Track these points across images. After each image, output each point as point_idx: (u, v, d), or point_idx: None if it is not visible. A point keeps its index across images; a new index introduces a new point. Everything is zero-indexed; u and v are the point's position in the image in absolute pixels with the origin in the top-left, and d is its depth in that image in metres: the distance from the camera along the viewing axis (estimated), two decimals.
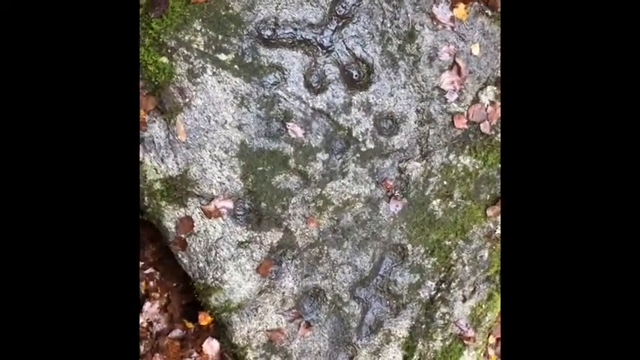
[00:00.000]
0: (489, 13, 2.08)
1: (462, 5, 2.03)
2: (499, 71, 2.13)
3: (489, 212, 2.23)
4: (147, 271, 2.28)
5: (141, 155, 1.88)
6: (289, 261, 2.08)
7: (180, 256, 2.02)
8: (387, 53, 2.02)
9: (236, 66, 1.89)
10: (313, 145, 2.01)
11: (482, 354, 2.43)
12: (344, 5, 1.95)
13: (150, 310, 2.24)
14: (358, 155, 2.06)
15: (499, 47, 2.11)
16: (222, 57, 1.88)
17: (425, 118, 2.09)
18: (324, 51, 1.97)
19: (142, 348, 2.16)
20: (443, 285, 2.25)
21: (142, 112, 1.84)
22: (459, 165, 2.17)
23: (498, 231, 2.26)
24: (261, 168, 1.97)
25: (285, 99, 1.95)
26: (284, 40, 1.93)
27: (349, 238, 2.13)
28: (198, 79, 1.87)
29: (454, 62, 2.07)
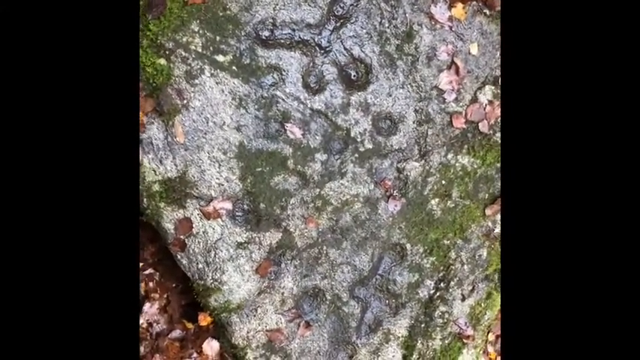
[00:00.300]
0: (487, 12, 2.07)
1: (460, 5, 2.02)
2: (497, 70, 2.13)
3: (488, 211, 2.23)
4: (146, 272, 2.28)
5: (139, 157, 1.88)
6: (288, 261, 2.08)
7: (179, 257, 2.02)
8: (386, 53, 2.02)
9: (234, 67, 1.89)
10: (312, 146, 2.01)
11: (481, 352, 2.44)
12: (342, 5, 1.95)
13: (149, 310, 2.24)
14: (357, 155, 2.06)
15: (497, 47, 2.11)
16: (220, 58, 1.87)
17: (423, 117, 2.09)
18: (322, 51, 1.97)
19: (141, 349, 2.17)
20: (442, 284, 2.26)
21: (140, 114, 1.84)
22: (457, 164, 2.17)
23: (497, 230, 2.27)
24: (259, 169, 1.97)
25: (283, 100, 1.95)
26: (282, 41, 1.92)
27: (348, 238, 2.13)
28: (196, 81, 1.86)
29: (452, 62, 2.07)
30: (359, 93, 2.02)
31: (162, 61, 1.83)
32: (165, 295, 2.31)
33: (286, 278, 2.09)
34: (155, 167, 1.90)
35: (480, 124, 2.14)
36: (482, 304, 2.34)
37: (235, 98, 1.91)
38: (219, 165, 1.94)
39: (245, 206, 2.00)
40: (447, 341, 2.31)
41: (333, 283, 2.15)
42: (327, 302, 2.16)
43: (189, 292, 2.14)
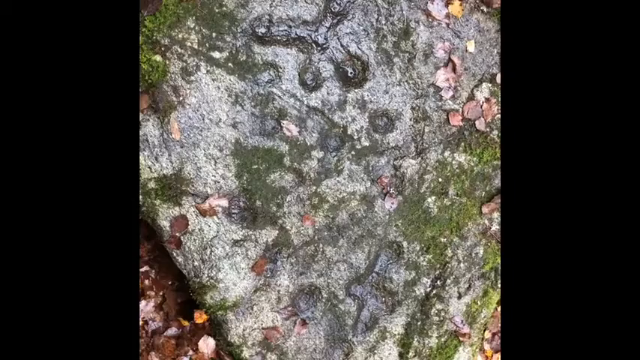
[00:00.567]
0: (485, 9, 2.07)
1: (457, 2, 2.02)
2: (494, 68, 2.13)
3: (484, 209, 2.23)
4: (142, 270, 2.27)
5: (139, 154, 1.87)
6: (284, 259, 2.08)
7: (175, 254, 2.01)
8: (382, 50, 2.01)
9: (230, 64, 1.88)
10: (308, 143, 2.00)
11: (477, 350, 2.44)
12: (339, 2, 1.94)
13: (145, 308, 2.24)
14: (353, 153, 2.06)
15: (494, 44, 2.10)
16: (216, 55, 1.86)
17: (420, 115, 2.09)
18: (319, 48, 1.96)
19: None
20: (438, 282, 2.26)
21: None
22: (454, 162, 2.16)
23: (493, 228, 2.27)
24: (255, 166, 1.97)
25: (279, 97, 1.94)
26: (278, 38, 1.92)
27: (344, 236, 2.13)
28: (192, 77, 1.85)
29: (449, 59, 2.06)
30: (356, 90, 2.02)
31: (158, 58, 1.82)
32: (161, 293, 2.30)
33: (282, 276, 2.08)
34: (151, 164, 1.89)
35: (476, 121, 2.14)
36: (479, 302, 2.34)
37: (231, 95, 1.90)
38: (215, 162, 1.93)
39: (241, 204, 1.99)
40: (443, 339, 2.31)
41: (329, 280, 2.15)
42: (324, 300, 2.15)
43: (185, 289, 2.14)
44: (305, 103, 1.97)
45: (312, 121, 1.99)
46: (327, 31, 1.96)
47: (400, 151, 2.11)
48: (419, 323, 2.27)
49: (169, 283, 2.33)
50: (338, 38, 1.97)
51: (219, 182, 1.95)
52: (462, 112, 2.12)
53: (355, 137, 2.05)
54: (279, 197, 2.02)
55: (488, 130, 2.16)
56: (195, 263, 2.01)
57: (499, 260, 2.32)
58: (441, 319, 2.29)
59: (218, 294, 2.04)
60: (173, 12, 1.81)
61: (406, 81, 2.05)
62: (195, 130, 1.89)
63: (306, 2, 1.91)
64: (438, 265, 2.24)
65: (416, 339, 2.27)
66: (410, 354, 2.27)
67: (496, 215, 2.26)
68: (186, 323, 2.23)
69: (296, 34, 1.93)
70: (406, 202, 2.15)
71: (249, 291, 2.06)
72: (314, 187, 2.04)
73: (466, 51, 2.08)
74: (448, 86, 2.08)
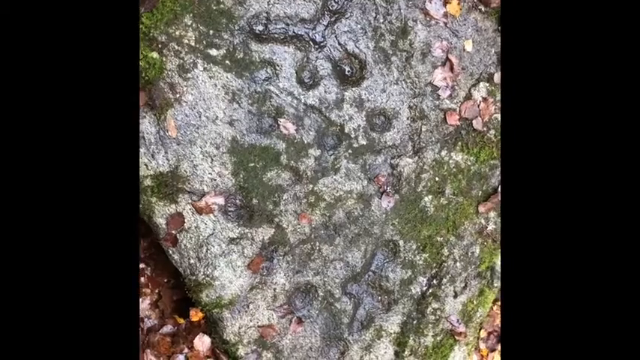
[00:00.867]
0: (482, 9, 2.07)
1: (455, 1, 2.02)
2: (492, 67, 2.13)
3: (481, 208, 2.23)
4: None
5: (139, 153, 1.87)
6: (281, 257, 2.07)
7: (171, 252, 2.01)
8: (380, 49, 2.01)
9: (227, 61, 1.87)
10: (305, 142, 2.00)
11: (473, 349, 2.44)
12: (336, 0, 1.94)
13: (141, 305, 2.24)
14: (350, 151, 2.06)
15: (492, 43, 2.10)
16: (214, 52, 1.86)
17: (417, 114, 2.09)
18: (317, 46, 1.96)
19: None
20: (434, 281, 2.26)
21: None
22: (451, 161, 2.17)
23: (490, 227, 2.27)
24: (252, 164, 1.96)
25: (276, 95, 1.94)
26: (276, 36, 1.91)
27: (341, 234, 2.13)
28: (189, 75, 1.85)
29: (447, 58, 2.06)
30: (353, 89, 2.02)
31: (155, 55, 1.81)
32: (156, 290, 2.30)
33: (278, 274, 2.08)
34: (147, 162, 1.89)
35: (474, 121, 2.14)
36: (475, 301, 2.35)
37: (228, 93, 1.89)
38: (212, 160, 1.92)
39: (237, 201, 1.99)
40: (439, 338, 2.31)
41: (325, 279, 2.14)
42: (320, 298, 2.15)
43: (180, 287, 2.13)
44: (302, 101, 1.97)
45: (309, 120, 1.99)
46: (324, 29, 1.95)
47: (397, 150, 2.10)
48: (415, 322, 2.27)
49: (165, 280, 2.32)
50: (335, 36, 1.97)
51: (215, 180, 1.94)
52: (459, 111, 2.12)
53: (352, 136, 2.04)
54: (276, 195, 2.01)
55: (485, 129, 2.16)
56: (191, 261, 2.00)
57: (495, 260, 2.33)
58: (437, 318, 2.29)
59: (214, 292, 2.03)
60: (170, 9, 1.80)
61: (404, 80, 2.05)
62: (191, 127, 1.88)
63: (304, 0, 1.91)
64: (435, 264, 2.25)
65: (412, 338, 2.27)
66: (406, 353, 2.27)
67: (492, 214, 2.26)
68: (181, 321, 2.23)
69: (293, 32, 1.92)
70: (403, 201, 2.15)
71: (245, 289, 2.06)
72: (311, 186, 2.04)
73: (464, 50, 2.08)
74: (445, 85, 2.08)
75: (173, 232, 1.96)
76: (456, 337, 2.34)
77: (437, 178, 2.16)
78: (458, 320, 2.32)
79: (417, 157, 2.13)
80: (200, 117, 1.88)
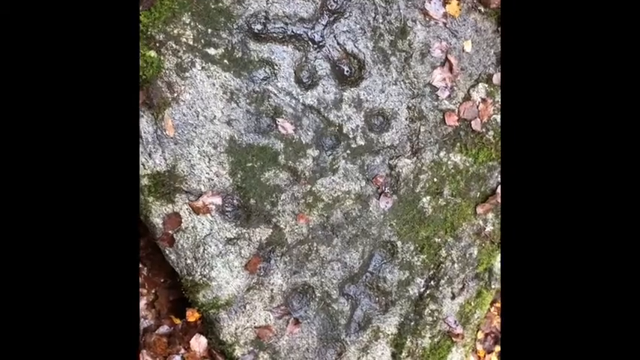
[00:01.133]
0: (482, 9, 2.06)
1: (454, 1, 2.01)
2: (491, 68, 2.13)
3: (479, 210, 2.23)
4: None
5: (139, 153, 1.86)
6: (278, 258, 2.07)
7: (167, 252, 2.00)
8: (379, 49, 2.00)
9: (225, 60, 1.86)
10: (303, 142, 1.99)
11: (470, 350, 2.44)
12: (335, 0, 1.93)
13: None
14: (349, 152, 2.05)
15: (491, 44, 2.10)
16: (212, 51, 1.85)
17: (416, 114, 2.08)
18: (315, 46, 1.95)
19: None
20: (432, 282, 2.25)
21: None
22: (449, 162, 2.16)
23: (488, 228, 2.26)
24: (250, 164, 1.95)
25: (275, 94, 1.93)
26: (274, 35, 1.90)
27: (339, 235, 2.12)
28: (187, 74, 1.84)
29: (446, 59, 2.06)
30: (352, 89, 2.01)
31: (153, 53, 1.80)
32: (153, 291, 2.29)
33: (276, 275, 2.07)
34: (144, 161, 1.87)
35: (472, 122, 2.13)
36: (472, 303, 2.34)
37: (226, 92, 1.88)
38: (209, 159, 1.91)
39: (235, 201, 1.98)
40: (436, 339, 2.31)
41: (322, 280, 2.14)
42: (317, 299, 2.14)
43: (177, 287, 2.12)
44: (301, 101, 1.96)
45: (307, 120, 1.98)
46: (323, 29, 1.95)
47: (395, 151, 2.10)
48: (412, 323, 2.26)
49: (162, 280, 2.31)
50: (334, 36, 1.96)
51: (213, 180, 1.93)
52: (458, 112, 2.12)
53: (351, 136, 2.04)
54: (274, 195, 2.00)
55: (484, 130, 2.15)
56: (188, 261, 1.99)
57: (493, 261, 2.32)
58: (435, 319, 2.29)
59: (211, 292, 2.02)
60: (168, 7, 1.79)
61: (402, 80, 2.04)
62: (189, 126, 1.87)
63: None
64: (432, 266, 2.24)
65: (409, 339, 2.27)
66: (403, 354, 2.27)
67: (491, 216, 2.26)
68: (178, 321, 2.22)
69: (292, 32, 1.92)
70: (401, 202, 2.15)
71: (242, 289, 2.05)
72: (309, 186, 2.03)
73: (463, 51, 2.07)
74: (444, 86, 2.08)
75: (170, 232, 1.95)
76: (454, 339, 2.33)
77: (435, 179, 2.16)
78: (455, 322, 2.31)
79: (415, 158, 2.12)
80: (198, 116, 1.87)
